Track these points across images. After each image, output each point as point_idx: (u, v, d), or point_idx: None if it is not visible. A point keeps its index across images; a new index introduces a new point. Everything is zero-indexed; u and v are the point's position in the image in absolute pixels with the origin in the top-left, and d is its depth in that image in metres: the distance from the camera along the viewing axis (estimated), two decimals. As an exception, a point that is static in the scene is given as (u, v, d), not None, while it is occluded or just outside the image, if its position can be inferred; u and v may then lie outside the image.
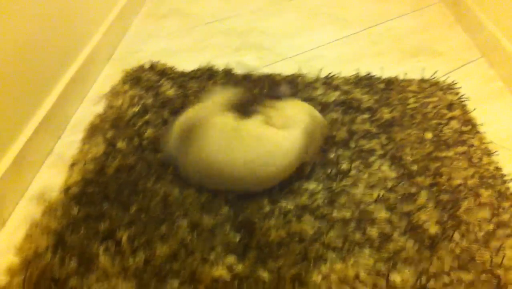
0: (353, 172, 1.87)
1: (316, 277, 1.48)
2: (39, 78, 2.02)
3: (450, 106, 2.22)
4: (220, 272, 1.48)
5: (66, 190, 1.79)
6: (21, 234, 1.65)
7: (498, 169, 1.88)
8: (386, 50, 2.81)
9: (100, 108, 2.26)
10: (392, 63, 2.65)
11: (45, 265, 1.52)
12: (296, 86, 2.40)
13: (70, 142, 2.08)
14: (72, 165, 1.93)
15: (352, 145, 2.01)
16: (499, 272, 1.49)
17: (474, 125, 2.11)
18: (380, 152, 1.97)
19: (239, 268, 1.50)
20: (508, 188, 1.80)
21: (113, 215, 1.67)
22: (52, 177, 1.90)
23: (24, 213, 1.75)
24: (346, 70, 2.53)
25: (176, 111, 2.18)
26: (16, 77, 1.84)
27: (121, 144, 1.99)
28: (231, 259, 1.53)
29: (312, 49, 2.84)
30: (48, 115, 2.01)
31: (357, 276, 1.49)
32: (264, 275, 1.49)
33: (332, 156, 1.94)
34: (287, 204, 1.72)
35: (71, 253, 1.56)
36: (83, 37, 2.47)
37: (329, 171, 1.87)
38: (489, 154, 1.95)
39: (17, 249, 1.59)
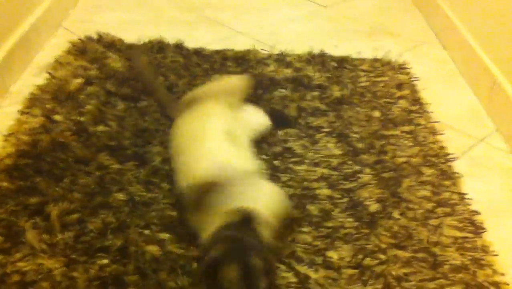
0: (298, 150, 1.84)
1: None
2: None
3: (400, 85, 2.21)
4: (152, 248, 1.44)
5: (-2, 162, 1.71)
6: None
7: (442, 148, 1.88)
8: (342, 30, 2.78)
9: (41, 79, 2.17)
10: (347, 42, 2.62)
11: (-30, 239, 1.44)
12: (247, 62, 2.35)
13: (7, 112, 1.99)
14: (7, 136, 1.85)
15: (300, 122, 1.98)
16: (436, 250, 1.48)
17: (422, 105, 2.10)
18: (328, 129, 1.95)
19: (173, 246, 1.46)
20: (450, 167, 1.79)
21: (44, 189, 1.60)
22: (-16, 149, 1.82)
23: (-48, 185, 1.67)
24: (300, 47, 2.49)
25: (121, 84, 2.12)
26: None
27: (59, 117, 1.91)
28: (165, 236, 1.48)
29: (267, 26, 2.79)
30: (-16, 83, 1.93)
31: (293, 254, 1.46)
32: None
33: (280, 133, 1.91)
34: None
35: (-3, 227, 1.49)
36: (30, 2, 2.37)
37: (275, 148, 1.84)
38: (434, 133, 1.95)
39: None
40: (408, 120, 2.00)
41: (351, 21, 2.87)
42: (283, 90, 2.16)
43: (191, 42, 2.51)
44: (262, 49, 2.48)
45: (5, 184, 1.62)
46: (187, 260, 1.41)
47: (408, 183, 1.70)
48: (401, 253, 1.47)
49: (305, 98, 2.11)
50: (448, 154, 1.86)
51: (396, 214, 1.59)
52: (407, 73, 2.31)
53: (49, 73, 2.18)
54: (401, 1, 3.13)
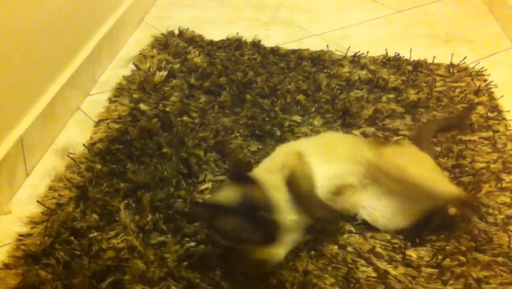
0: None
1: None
2: (71, 35, 2.05)
3: (477, 92, 2.20)
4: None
5: (91, 145, 1.82)
6: (44, 186, 1.69)
7: (522, 157, 1.87)
8: (417, 34, 2.78)
9: (127, 70, 2.28)
10: (422, 47, 2.62)
11: (66, 216, 1.54)
12: (323, 63, 2.39)
13: (97, 100, 2.11)
14: (98, 122, 1.96)
15: (377, 123, 2.00)
16: (516, 255, 1.48)
17: (500, 112, 2.09)
18: (405, 132, 1.96)
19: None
20: (530, 175, 1.78)
21: (136, 174, 1.69)
22: (77, 133, 1.94)
23: (49, 166, 1.78)
24: (374, 50, 2.51)
25: (203, 78, 2.20)
26: (50, 32, 1.87)
27: (146, 107, 2.01)
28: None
29: (342, 28, 2.82)
30: (77, 72, 2.04)
31: (372, 250, 1.49)
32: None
33: (356, 132, 1.94)
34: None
35: (92, 207, 1.58)
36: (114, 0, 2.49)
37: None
38: (514, 140, 1.94)
39: (40, 200, 1.62)
40: (486, 126, 1.99)
41: (426, 26, 2.86)
42: (358, 91, 2.19)
43: (267, 41, 2.57)
44: (336, 50, 2.51)
45: (98, 166, 1.72)
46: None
47: (488, 188, 1.70)
48: (481, 257, 1.48)
49: (381, 100, 2.14)
50: (528, 162, 1.84)
51: (475, 218, 1.59)
52: (485, 80, 2.30)
53: (135, 65, 2.28)
54: (476, 8, 3.09)
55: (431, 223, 1.55)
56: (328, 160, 1.56)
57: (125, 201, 1.59)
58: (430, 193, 1.50)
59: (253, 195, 1.36)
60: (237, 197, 1.35)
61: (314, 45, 2.57)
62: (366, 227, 1.56)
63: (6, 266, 1.41)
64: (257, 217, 1.31)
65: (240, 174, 1.42)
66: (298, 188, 1.47)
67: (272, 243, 1.34)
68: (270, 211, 1.35)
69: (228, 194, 1.37)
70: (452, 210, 1.59)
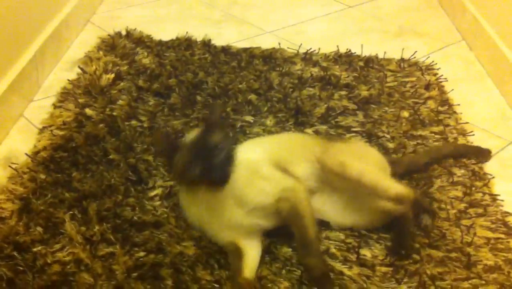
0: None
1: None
2: (12, 36, 1.96)
3: (428, 86, 2.21)
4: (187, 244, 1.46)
5: (35, 154, 1.74)
6: (-16, 199, 1.60)
7: (473, 149, 1.88)
8: (368, 29, 2.79)
9: (73, 74, 2.20)
10: (373, 42, 2.63)
11: (9, 230, 1.47)
12: (275, 61, 2.37)
13: (41, 106, 2.03)
14: (42, 129, 1.88)
15: (330, 120, 1.99)
16: (469, 250, 1.48)
17: (450, 106, 2.10)
18: (357, 128, 1.95)
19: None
20: (481, 168, 1.80)
21: (82, 183, 1.63)
22: (21, 141, 1.86)
23: (-11, 177, 1.70)
24: (326, 47, 2.49)
25: (152, 80, 2.14)
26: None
27: (92, 112, 1.94)
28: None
29: (294, 25, 2.80)
30: (20, 76, 1.96)
31: (327, 251, 1.47)
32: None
33: (309, 131, 1.92)
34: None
35: (36, 219, 1.51)
36: (59, -1, 2.41)
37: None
38: (464, 134, 1.95)
39: (-20, 214, 1.55)
40: (437, 121, 2.00)
41: (377, 21, 2.87)
42: (311, 89, 2.17)
43: (219, 40, 2.53)
44: (288, 48, 2.49)
45: (42, 176, 1.65)
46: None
47: (440, 183, 1.71)
48: (434, 253, 1.48)
49: (333, 97, 2.12)
50: (478, 155, 1.86)
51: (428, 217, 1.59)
52: (435, 74, 2.31)
53: (81, 68, 2.21)
54: (426, 2, 3.12)
55: (405, 230, 1.51)
56: (290, 161, 1.52)
57: (71, 212, 1.53)
58: (371, 190, 1.48)
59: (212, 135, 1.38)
60: (197, 135, 1.39)
61: (266, 43, 2.54)
62: (320, 227, 1.54)
63: None
64: (210, 156, 1.33)
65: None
66: (303, 229, 1.39)
67: (223, 182, 1.34)
68: (225, 150, 1.36)
69: (191, 134, 1.42)
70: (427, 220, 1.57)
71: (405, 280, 1.40)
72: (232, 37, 2.60)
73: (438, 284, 1.39)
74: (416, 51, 2.46)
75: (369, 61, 2.39)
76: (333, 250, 1.48)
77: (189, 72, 2.22)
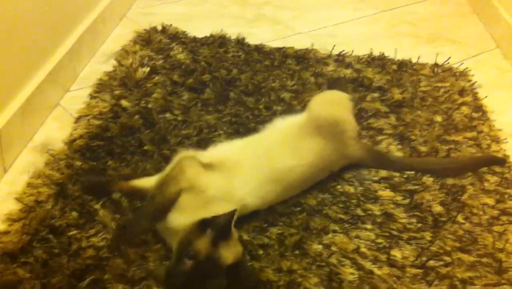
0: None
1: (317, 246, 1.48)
2: (51, 29, 2.00)
3: (461, 92, 2.20)
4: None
5: (71, 142, 1.78)
6: (22, 183, 1.64)
7: (505, 156, 1.86)
8: (401, 34, 2.78)
9: (109, 66, 2.24)
10: (407, 46, 2.62)
11: (45, 214, 1.50)
12: (307, 61, 2.37)
13: (77, 96, 2.06)
14: (78, 119, 1.92)
15: (362, 122, 1.99)
16: (501, 256, 1.48)
17: (484, 112, 2.09)
18: (389, 131, 1.95)
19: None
20: (514, 176, 1.78)
21: (117, 171, 1.66)
22: (57, 129, 1.89)
23: (27, 162, 1.74)
24: (359, 49, 2.49)
25: (186, 75, 2.17)
26: (29, 26, 1.82)
27: (127, 103, 1.97)
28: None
29: (327, 27, 2.80)
30: (57, 67, 2.00)
31: (357, 249, 1.48)
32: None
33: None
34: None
35: (71, 204, 1.55)
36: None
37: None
38: (497, 141, 1.93)
39: (18, 197, 1.58)
40: (471, 127, 1.99)
41: (410, 26, 2.86)
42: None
43: (252, 39, 2.55)
44: (321, 49, 2.49)
45: (78, 163, 1.68)
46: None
47: (472, 189, 1.70)
48: (465, 257, 1.47)
49: (366, 99, 2.13)
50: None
51: (460, 218, 1.59)
52: (469, 80, 2.29)
53: (117, 61, 2.24)
54: (460, 8, 3.10)
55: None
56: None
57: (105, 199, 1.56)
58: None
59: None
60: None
61: (298, 43, 2.55)
62: (350, 226, 1.55)
63: (-17, 264, 1.37)
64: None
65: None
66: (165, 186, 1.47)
67: None
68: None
69: None
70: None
71: (435, 282, 1.40)
72: (264, 37, 2.62)
73: (468, 288, 1.38)
74: (450, 57, 2.45)
75: (403, 65, 2.38)
76: (363, 249, 1.48)
77: (223, 69, 2.25)
